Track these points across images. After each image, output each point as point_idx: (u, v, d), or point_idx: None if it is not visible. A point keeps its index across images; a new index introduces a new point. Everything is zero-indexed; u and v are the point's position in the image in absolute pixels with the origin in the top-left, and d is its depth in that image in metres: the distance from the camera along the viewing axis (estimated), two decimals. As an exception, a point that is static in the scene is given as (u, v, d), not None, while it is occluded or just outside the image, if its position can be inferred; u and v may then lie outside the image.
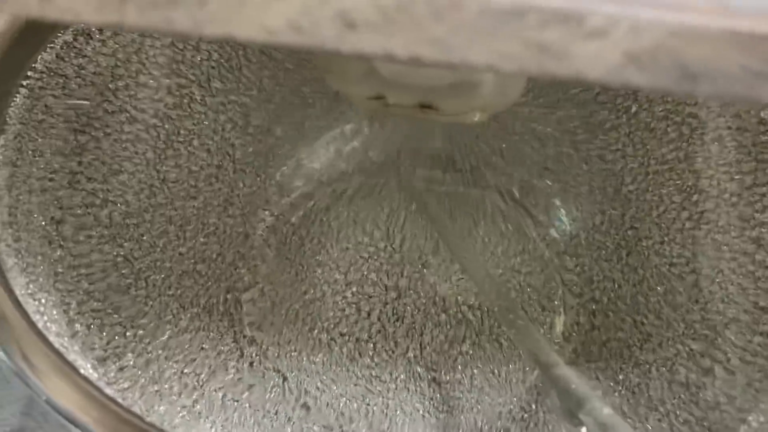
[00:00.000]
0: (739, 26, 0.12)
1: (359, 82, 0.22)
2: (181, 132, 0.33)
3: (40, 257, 0.26)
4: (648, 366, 0.31)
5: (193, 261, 0.32)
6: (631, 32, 0.12)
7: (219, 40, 0.12)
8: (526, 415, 0.31)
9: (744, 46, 0.12)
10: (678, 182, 0.33)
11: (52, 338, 0.22)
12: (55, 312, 0.25)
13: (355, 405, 0.31)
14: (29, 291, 0.24)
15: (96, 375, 0.24)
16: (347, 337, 0.33)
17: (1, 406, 0.34)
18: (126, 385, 0.26)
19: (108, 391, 0.23)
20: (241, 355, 0.32)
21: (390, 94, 0.22)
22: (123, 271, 0.30)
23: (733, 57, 0.12)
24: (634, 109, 0.35)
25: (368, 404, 0.31)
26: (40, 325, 0.22)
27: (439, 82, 0.22)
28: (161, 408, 0.26)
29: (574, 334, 0.34)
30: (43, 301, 0.24)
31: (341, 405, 0.31)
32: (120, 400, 0.25)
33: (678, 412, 0.28)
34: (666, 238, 0.33)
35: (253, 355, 0.32)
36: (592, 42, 0.12)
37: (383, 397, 0.32)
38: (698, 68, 0.12)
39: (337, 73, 0.22)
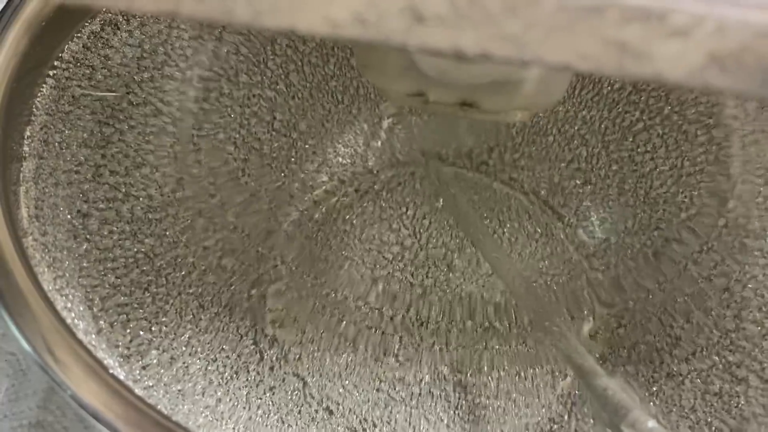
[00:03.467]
0: (828, 27, 0.12)
1: (399, 78, 0.21)
2: (206, 126, 0.33)
3: (65, 252, 0.25)
4: (682, 378, 0.30)
5: (218, 255, 0.32)
6: (716, 32, 0.11)
7: (280, 31, 0.12)
8: (555, 427, 0.30)
9: (834, 49, 0.12)
10: (710, 185, 0.32)
11: (80, 335, 0.21)
12: (81, 308, 0.24)
13: (378, 412, 0.31)
14: (57, 287, 0.23)
15: (123, 373, 0.23)
16: (370, 337, 0.32)
17: (19, 399, 0.34)
18: (150, 383, 0.25)
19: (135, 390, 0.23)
20: (261, 359, 0.31)
21: (431, 91, 0.21)
22: (144, 268, 0.29)
23: (822, 60, 0.12)
24: (666, 111, 0.34)
25: (391, 412, 0.31)
26: (68, 321, 0.22)
27: (481, 79, 0.21)
28: (185, 407, 0.26)
29: (600, 336, 0.33)
30: (70, 297, 0.24)
31: (364, 411, 0.31)
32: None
33: (710, 420, 0.27)
34: (696, 242, 0.32)
35: (274, 359, 0.31)
36: (675, 41, 0.12)
37: (406, 405, 0.31)
38: (785, 71, 0.12)
39: (376, 67, 0.22)
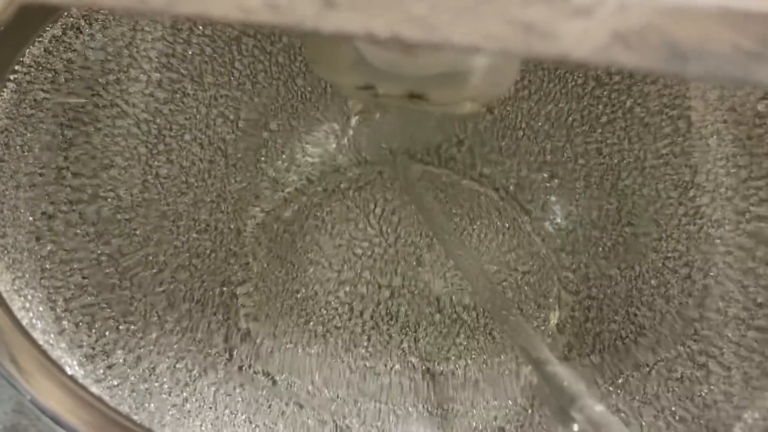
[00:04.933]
0: (731, 4, 0.12)
1: (348, 71, 0.22)
2: (173, 127, 0.33)
3: (26, 253, 0.25)
4: (644, 362, 0.30)
5: (188, 255, 0.32)
6: (619, 11, 0.12)
7: (193, 18, 0.12)
8: (521, 417, 0.31)
9: (736, 25, 0.12)
10: (674, 177, 0.33)
11: (36, 335, 0.22)
12: (41, 308, 0.24)
13: (347, 408, 0.31)
14: (15, 287, 0.23)
15: (83, 372, 0.23)
16: (341, 332, 0.32)
17: (-7, 404, 0.34)
18: (115, 383, 0.26)
19: (95, 388, 0.23)
20: (231, 357, 0.31)
21: (380, 84, 0.21)
22: (111, 269, 0.29)
23: (725, 36, 0.12)
24: (629, 103, 0.34)
25: (361, 406, 0.31)
26: (25, 322, 0.22)
27: (429, 71, 0.21)
28: (151, 406, 0.26)
29: (567, 326, 0.33)
30: (29, 297, 0.24)
31: (334, 407, 0.31)
32: (108, 398, 0.25)
33: (674, 409, 0.28)
34: (663, 234, 0.32)
35: (243, 356, 0.31)
36: (579, 20, 0.12)
37: (376, 400, 0.31)
38: (688, 48, 0.12)
39: (325, 62, 0.22)
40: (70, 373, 0.21)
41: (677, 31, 0.12)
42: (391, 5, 0.12)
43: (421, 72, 0.21)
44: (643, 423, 0.28)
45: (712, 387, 0.27)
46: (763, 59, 0.12)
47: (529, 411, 0.30)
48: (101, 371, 0.25)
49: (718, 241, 0.31)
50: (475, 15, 0.12)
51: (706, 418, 0.26)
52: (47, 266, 0.26)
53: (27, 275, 0.25)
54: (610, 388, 0.30)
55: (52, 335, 0.24)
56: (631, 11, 0.12)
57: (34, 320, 0.23)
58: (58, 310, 0.25)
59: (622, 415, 0.29)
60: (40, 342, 0.21)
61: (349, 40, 0.21)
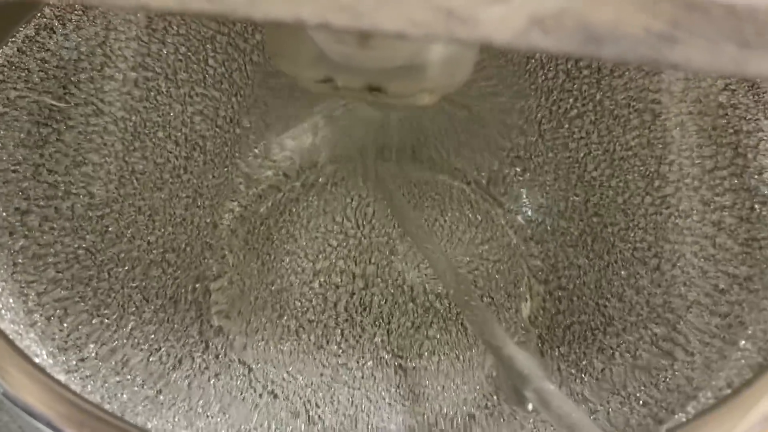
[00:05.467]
0: (643, -11, 0.12)
1: (309, 65, 0.22)
2: (148, 124, 0.34)
3: (-1, 247, 0.26)
4: (612, 351, 0.31)
5: (162, 250, 0.32)
6: (534, -5, 0.12)
7: (132, 9, 0.12)
8: (489, 403, 0.31)
9: (647, 8, 0.12)
10: (641, 168, 0.33)
11: (4, 325, 0.22)
12: (11, 300, 0.25)
13: (321, 394, 0.31)
14: (-16, 279, 0.24)
15: (52, 362, 0.24)
16: (315, 324, 0.33)
17: (-27, 401, 0.34)
18: (87, 374, 0.26)
19: (62, 377, 0.24)
20: (206, 348, 0.32)
21: (338, 77, 0.22)
22: (85, 263, 0.30)
23: (637, 19, 0.12)
24: (598, 96, 0.35)
25: (334, 394, 0.32)
26: (-6, 310, 0.22)
27: (386, 64, 0.22)
28: (124, 396, 0.27)
29: (540, 318, 0.34)
30: (0, 289, 0.24)
31: (307, 394, 0.31)
32: (79, 389, 0.25)
33: (638, 395, 0.28)
34: (630, 224, 0.33)
35: (219, 347, 0.32)
36: (497, 6, 0.12)
37: (349, 387, 0.32)
38: (602, 31, 0.13)
39: (287, 56, 0.22)
40: (38, 362, 0.21)
41: (591, 14, 0.12)
42: (319, -7, 0.13)
43: (379, 65, 0.22)
44: (610, 410, 0.28)
45: (676, 372, 0.28)
46: (674, 41, 0.13)
47: (495, 397, 0.31)
48: (73, 362, 0.26)
49: (687, 231, 0.31)
50: (399, 2, 0.12)
51: (667, 402, 0.26)
52: (19, 260, 0.27)
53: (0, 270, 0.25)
54: (578, 376, 0.31)
55: (22, 326, 0.24)
56: (546, -4, 0.12)
57: (3, 311, 0.23)
58: (30, 303, 0.26)
59: (590, 404, 0.30)
60: (8, 332, 0.21)
61: (307, 34, 0.21)
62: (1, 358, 0.20)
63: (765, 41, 0.12)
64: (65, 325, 0.27)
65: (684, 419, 0.23)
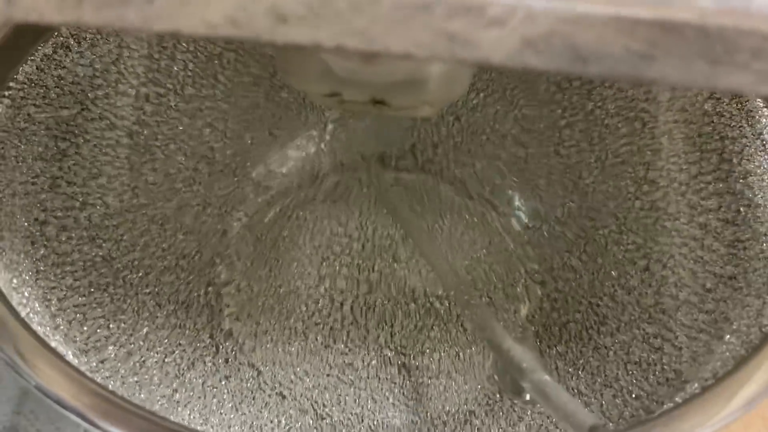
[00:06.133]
0: (623, 12, 0.14)
1: (316, 80, 0.24)
2: (159, 137, 0.35)
3: (23, 255, 0.27)
4: (606, 350, 0.32)
5: (174, 257, 0.34)
6: (526, 20, 0.14)
7: (166, 34, 0.14)
8: (489, 401, 0.33)
9: (627, 31, 0.14)
10: (631, 174, 0.35)
11: (34, 327, 0.23)
12: (37, 305, 0.26)
13: (328, 395, 0.33)
14: (13, 285, 0.25)
15: (76, 362, 0.25)
16: (321, 326, 0.34)
17: (-6, 406, 0.36)
18: (107, 374, 0.27)
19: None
20: (217, 351, 0.33)
21: (345, 91, 0.24)
22: (102, 271, 0.31)
23: (618, 40, 0.14)
24: (589, 106, 0.37)
25: (340, 394, 0.33)
26: (23, 314, 0.24)
27: (389, 79, 0.23)
28: (142, 395, 0.28)
29: (537, 318, 0.35)
30: (26, 294, 0.26)
31: (315, 395, 0.33)
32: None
33: (630, 388, 0.30)
34: (622, 228, 0.35)
35: (229, 350, 0.33)
36: (494, 30, 0.14)
37: (355, 387, 0.33)
38: (588, 51, 0.14)
39: (295, 72, 0.24)
40: (69, 362, 0.23)
41: (577, 36, 0.14)
42: (335, 20, 0.14)
43: (382, 80, 0.23)
44: (603, 402, 0.30)
45: (665, 367, 0.29)
46: (651, 59, 0.14)
47: (498, 395, 0.32)
48: (94, 364, 0.27)
49: (675, 233, 0.33)
50: (406, 27, 0.14)
51: (657, 394, 0.28)
52: (41, 268, 0.28)
53: (24, 275, 0.26)
54: (574, 373, 0.32)
55: (48, 328, 0.25)
56: (537, 20, 0.14)
57: (31, 315, 0.25)
58: (52, 308, 0.27)
59: (585, 397, 0.31)
60: (39, 334, 0.23)
61: (315, 51, 0.23)
62: (33, 356, 0.21)
63: (733, 59, 0.14)
64: (85, 328, 0.28)
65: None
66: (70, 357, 0.25)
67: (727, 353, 0.25)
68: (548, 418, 0.30)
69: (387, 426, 0.32)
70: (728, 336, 0.26)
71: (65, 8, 0.14)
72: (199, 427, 0.28)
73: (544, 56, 0.14)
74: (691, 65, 0.14)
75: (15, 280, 0.26)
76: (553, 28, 0.14)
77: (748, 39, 0.14)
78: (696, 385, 0.24)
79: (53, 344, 0.24)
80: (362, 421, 0.32)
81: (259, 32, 0.14)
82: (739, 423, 0.39)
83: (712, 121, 0.32)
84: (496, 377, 0.30)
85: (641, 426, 0.19)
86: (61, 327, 0.27)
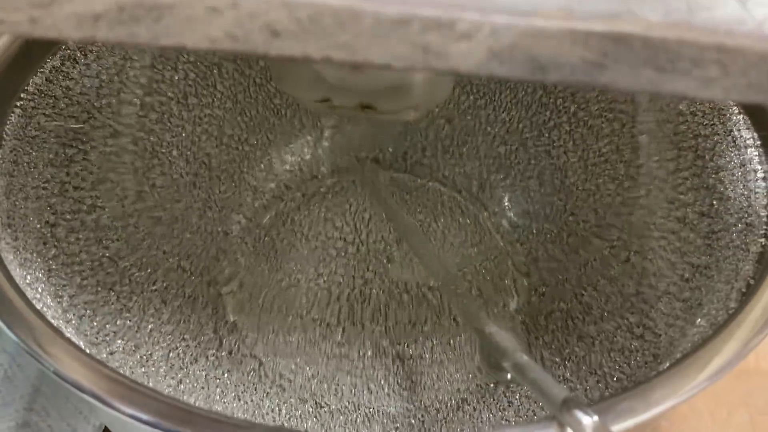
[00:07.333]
0: (578, 26, 0.16)
1: (308, 87, 0.25)
2: (163, 143, 0.37)
3: (35, 254, 0.29)
4: (591, 339, 0.34)
5: (178, 257, 0.36)
6: (491, 34, 0.16)
7: (173, 48, 0.16)
8: (481, 389, 0.34)
9: (582, 42, 0.16)
10: (612, 172, 0.37)
11: (48, 319, 0.25)
12: (50, 300, 0.28)
13: (326, 385, 0.35)
14: (27, 281, 0.27)
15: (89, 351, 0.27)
16: (319, 319, 0.36)
17: (6, 403, 0.37)
18: (116, 365, 0.29)
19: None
20: (220, 345, 0.35)
21: (335, 96, 0.25)
22: (109, 270, 0.33)
23: (574, 51, 0.16)
24: (573, 109, 0.38)
25: (338, 383, 0.35)
26: (39, 306, 0.25)
27: (376, 85, 0.25)
28: (149, 384, 0.29)
29: (524, 308, 0.37)
30: (39, 290, 0.27)
31: (314, 385, 0.35)
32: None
33: (613, 374, 0.31)
34: (603, 222, 0.36)
35: (232, 343, 0.35)
36: (463, 42, 0.16)
37: (352, 376, 0.35)
38: (547, 61, 0.16)
39: (288, 80, 0.26)
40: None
41: (537, 48, 0.16)
42: (322, 35, 0.16)
43: (369, 86, 0.25)
44: (587, 387, 0.31)
45: (645, 352, 0.31)
46: (603, 67, 0.16)
47: (489, 384, 0.34)
48: (104, 356, 0.29)
49: (653, 227, 0.34)
50: (386, 40, 0.16)
51: (636, 376, 0.29)
52: (53, 267, 0.30)
53: (37, 273, 0.28)
54: (561, 362, 0.34)
55: (61, 321, 0.27)
56: (501, 34, 0.16)
57: (44, 309, 0.26)
58: (64, 304, 0.29)
59: (570, 383, 0.33)
60: (55, 325, 0.24)
61: (306, 62, 0.25)
62: (51, 345, 0.23)
63: (676, 67, 0.16)
64: (95, 323, 0.30)
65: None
66: (82, 347, 0.27)
67: (698, 335, 0.27)
68: (536, 402, 0.31)
69: (383, 413, 0.34)
70: (699, 320, 0.28)
71: (82, 27, 0.16)
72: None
73: (507, 66, 0.16)
74: (639, 73, 0.16)
75: (29, 277, 0.27)
76: (516, 41, 0.16)
77: (689, 49, 0.15)
78: (668, 363, 0.26)
79: (67, 336, 0.26)
80: (359, 408, 0.34)
81: (255, 46, 0.16)
82: (724, 411, 0.40)
83: (687, 120, 0.34)
84: (481, 361, 0.32)
85: (610, 399, 0.21)
86: (73, 321, 0.29)
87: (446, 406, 0.34)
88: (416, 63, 0.16)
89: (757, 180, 0.30)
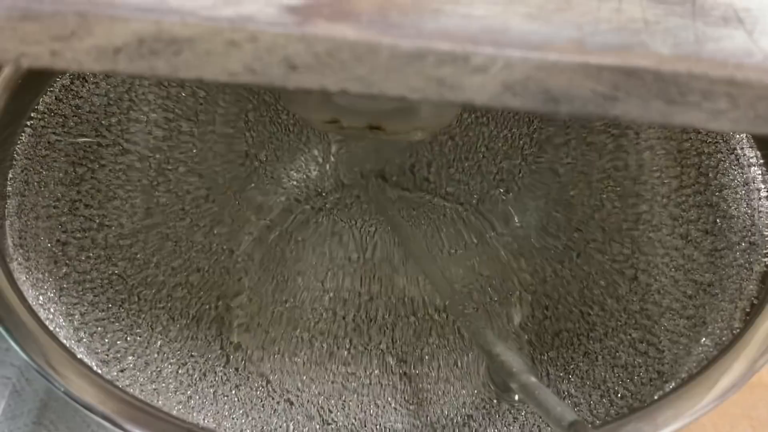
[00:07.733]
0: (590, 60, 0.16)
1: (317, 108, 0.26)
2: (171, 160, 0.37)
3: (47, 274, 0.29)
4: (595, 355, 0.34)
5: (185, 274, 0.36)
6: (505, 68, 0.16)
7: (191, 81, 0.16)
8: (487, 405, 0.35)
9: (593, 75, 0.16)
10: (617, 188, 0.37)
11: (61, 340, 0.25)
12: (62, 319, 0.28)
13: (333, 402, 0.35)
14: (40, 302, 0.27)
15: (99, 372, 0.27)
16: (326, 336, 0.37)
17: (15, 416, 0.38)
18: (127, 383, 0.29)
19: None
20: (228, 361, 0.35)
21: (344, 118, 0.26)
22: (118, 288, 0.33)
23: (586, 84, 0.16)
24: (575, 125, 0.39)
25: (344, 400, 0.35)
26: (52, 327, 0.25)
27: (384, 107, 0.25)
28: (159, 402, 0.30)
29: (529, 325, 0.37)
30: (51, 310, 0.28)
31: (320, 401, 0.35)
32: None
33: (617, 389, 0.31)
34: (608, 239, 0.37)
35: (239, 360, 0.35)
36: (477, 76, 0.16)
37: (358, 393, 0.35)
38: (559, 93, 0.16)
39: (299, 102, 0.26)
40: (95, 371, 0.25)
41: (550, 81, 0.16)
42: (339, 68, 0.16)
43: (378, 108, 0.26)
44: (591, 402, 0.32)
45: (648, 368, 0.31)
46: (615, 99, 0.16)
47: (494, 400, 0.34)
48: (115, 373, 0.29)
49: (658, 243, 0.35)
50: (401, 74, 0.16)
51: (641, 394, 0.30)
52: (64, 286, 0.30)
53: (49, 293, 0.28)
54: (564, 377, 0.34)
55: (73, 341, 0.27)
56: (515, 68, 0.16)
57: (57, 329, 0.27)
58: (75, 323, 0.29)
59: (574, 398, 0.33)
60: (67, 346, 0.25)
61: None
62: (62, 366, 0.23)
63: (686, 99, 0.16)
64: (106, 341, 0.30)
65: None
66: (93, 367, 0.27)
67: (702, 354, 0.27)
68: (540, 418, 0.32)
69: (389, 430, 0.34)
70: (704, 339, 0.28)
71: (103, 60, 0.16)
72: (213, 432, 0.30)
73: (521, 98, 0.16)
74: (649, 105, 0.16)
75: (41, 297, 0.28)
76: (529, 74, 0.16)
77: (699, 82, 0.16)
78: (673, 384, 0.26)
79: (79, 356, 0.26)
80: (365, 425, 0.34)
81: (273, 79, 0.16)
82: (726, 424, 0.41)
83: (690, 138, 0.34)
84: (488, 380, 0.32)
85: (617, 421, 0.21)
86: (84, 340, 0.29)
87: (452, 423, 0.34)
88: (431, 95, 0.16)
89: (760, 199, 0.30)
